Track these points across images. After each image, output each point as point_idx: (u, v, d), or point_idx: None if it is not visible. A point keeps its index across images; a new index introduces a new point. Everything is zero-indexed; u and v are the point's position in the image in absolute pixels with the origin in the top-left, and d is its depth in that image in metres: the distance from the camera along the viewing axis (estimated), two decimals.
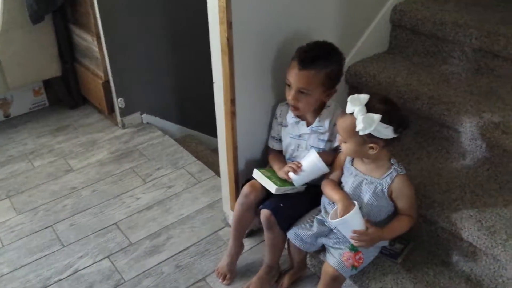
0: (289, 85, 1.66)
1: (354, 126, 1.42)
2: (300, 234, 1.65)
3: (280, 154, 1.86)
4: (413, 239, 1.75)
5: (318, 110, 1.73)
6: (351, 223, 1.48)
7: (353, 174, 1.58)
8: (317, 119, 1.73)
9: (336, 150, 1.72)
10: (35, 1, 2.58)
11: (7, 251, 2.06)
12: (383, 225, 1.56)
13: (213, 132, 1.98)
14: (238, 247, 1.90)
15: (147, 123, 2.99)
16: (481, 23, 1.86)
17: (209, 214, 2.24)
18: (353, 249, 1.55)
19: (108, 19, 2.59)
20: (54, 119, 3.05)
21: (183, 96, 3.06)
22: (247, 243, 2.02)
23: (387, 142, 1.46)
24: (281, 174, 1.72)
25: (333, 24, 1.92)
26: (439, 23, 1.95)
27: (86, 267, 1.97)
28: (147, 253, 2.03)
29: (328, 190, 1.62)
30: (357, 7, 1.99)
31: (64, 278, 1.93)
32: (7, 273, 1.95)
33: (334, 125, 1.69)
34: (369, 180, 1.54)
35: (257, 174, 1.74)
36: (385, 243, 1.64)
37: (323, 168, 1.62)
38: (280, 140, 1.85)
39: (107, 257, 2.02)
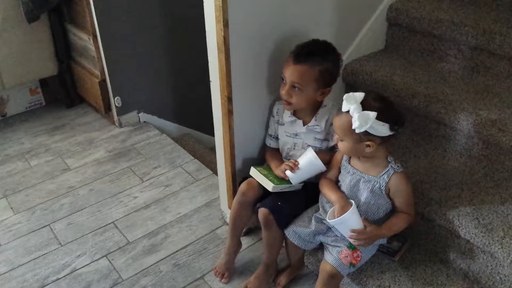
0: (283, 80, 1.67)
1: (350, 124, 1.42)
2: (298, 232, 1.65)
3: (277, 152, 1.87)
4: (411, 237, 1.75)
5: (314, 109, 1.73)
6: (348, 222, 1.49)
7: (350, 173, 1.58)
8: (314, 118, 1.73)
9: (333, 149, 1.73)
10: (31, 0, 2.57)
11: (5, 250, 2.06)
12: (382, 223, 1.57)
13: (210, 131, 1.98)
14: (236, 246, 1.91)
15: (144, 121, 2.99)
16: (477, 22, 1.87)
17: (206, 213, 2.24)
18: (351, 247, 1.55)
19: (104, 18, 2.58)
20: (51, 118, 3.05)
21: (180, 94, 3.06)
22: (245, 241, 2.03)
23: (383, 140, 1.46)
24: (278, 172, 1.72)
25: (329, 22, 1.92)
26: (435, 21, 1.95)
27: (83, 266, 1.97)
28: (145, 252, 2.03)
29: (325, 189, 1.63)
30: (354, 6, 2.00)
31: (61, 277, 1.93)
32: (4, 273, 1.95)
33: (331, 124, 1.70)
34: (367, 179, 1.55)
35: (254, 172, 1.74)
36: (383, 241, 1.65)
37: (320, 166, 1.63)
38: (277, 138, 1.85)
39: (105, 256, 2.02)
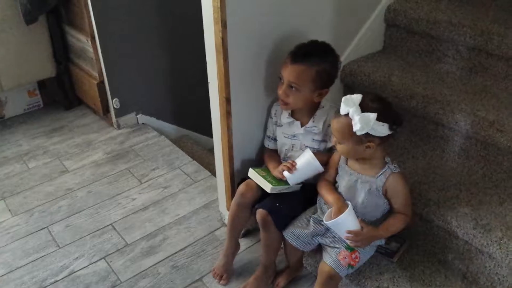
0: (281, 80, 1.67)
1: (350, 127, 1.42)
2: (296, 233, 1.65)
3: (275, 153, 1.87)
4: (409, 238, 1.75)
5: (312, 110, 1.73)
6: (345, 223, 1.49)
7: (348, 173, 1.58)
8: (312, 119, 1.73)
9: (331, 150, 1.72)
10: (29, 2, 2.57)
11: (2, 252, 2.05)
12: (379, 223, 1.57)
13: (208, 132, 1.98)
14: (234, 247, 1.90)
15: (143, 123, 2.99)
16: (475, 22, 1.87)
17: (205, 214, 2.24)
18: (350, 248, 1.55)
19: (102, 19, 2.58)
20: (49, 120, 3.04)
21: (179, 96, 3.06)
22: (244, 243, 2.02)
23: (382, 140, 1.46)
24: (275, 173, 1.72)
25: (328, 23, 1.92)
26: (433, 22, 1.96)
27: (82, 268, 1.97)
28: (144, 253, 2.03)
29: (323, 191, 1.63)
30: (352, 7, 2.00)
31: (60, 280, 1.92)
32: (2, 275, 1.94)
33: (329, 126, 1.70)
34: (364, 179, 1.55)
35: (252, 173, 1.74)
36: (381, 242, 1.65)
37: (318, 167, 1.63)
38: (275, 140, 1.85)
39: (103, 258, 2.02)
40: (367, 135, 1.43)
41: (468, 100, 1.78)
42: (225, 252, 1.90)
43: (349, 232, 1.49)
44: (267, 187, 1.68)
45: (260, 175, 1.72)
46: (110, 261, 2.00)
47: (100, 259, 2.01)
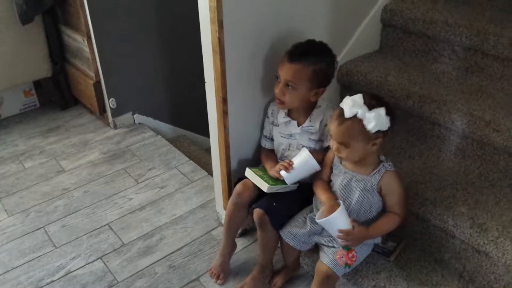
0: (278, 79, 1.68)
1: (359, 127, 1.42)
2: (293, 232, 1.65)
3: (272, 153, 1.87)
4: (406, 237, 1.76)
5: (309, 110, 1.73)
6: (336, 222, 1.49)
7: (342, 172, 1.58)
8: (308, 119, 1.73)
9: (327, 149, 1.72)
10: (25, 2, 2.56)
11: None
12: (372, 223, 1.57)
13: (205, 132, 1.98)
14: (231, 247, 1.90)
15: (139, 123, 2.98)
16: (471, 22, 1.87)
17: (202, 214, 2.23)
18: (346, 247, 1.55)
19: (98, 19, 2.57)
20: (45, 120, 3.04)
21: (175, 96, 3.06)
22: (241, 242, 2.03)
23: (384, 134, 1.47)
24: (272, 172, 1.72)
25: (324, 23, 1.93)
26: (429, 22, 1.96)
27: (78, 268, 1.96)
28: (140, 253, 2.03)
29: (317, 190, 1.64)
30: (348, 7, 2.00)
31: (56, 280, 1.92)
32: None
33: (325, 125, 1.70)
34: (358, 178, 1.55)
35: (249, 173, 1.74)
36: (378, 241, 1.65)
37: (314, 165, 1.63)
38: (272, 139, 1.85)
39: (100, 258, 2.01)
40: (376, 131, 1.43)
41: (464, 100, 1.78)
42: (222, 251, 1.90)
43: (340, 231, 1.49)
44: (264, 186, 1.68)
45: (257, 174, 1.72)
46: (107, 261, 1.99)
47: (97, 259, 2.01)
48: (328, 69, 1.68)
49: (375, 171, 1.53)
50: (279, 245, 1.80)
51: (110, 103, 2.82)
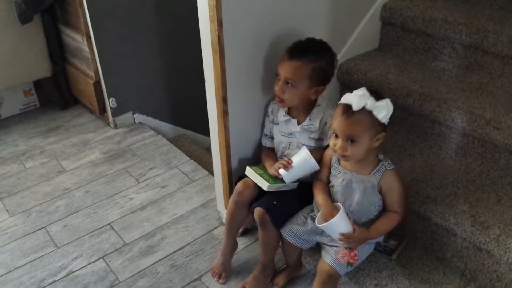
0: (277, 76, 1.68)
1: (370, 119, 1.42)
2: (294, 230, 1.65)
3: (272, 151, 1.87)
4: (407, 236, 1.76)
5: (308, 108, 1.73)
6: (337, 226, 1.49)
7: (341, 173, 1.58)
8: (308, 117, 1.73)
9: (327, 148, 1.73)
10: (24, 1, 2.56)
11: (0, 253, 2.05)
12: (373, 223, 1.57)
13: (206, 131, 1.98)
14: (232, 246, 1.91)
15: (140, 123, 2.98)
16: (470, 20, 1.87)
17: (203, 214, 2.24)
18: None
19: (97, 18, 2.57)
20: (45, 120, 3.04)
21: (176, 95, 3.06)
22: (242, 242, 2.03)
23: (385, 130, 1.47)
24: (271, 171, 1.72)
25: (324, 22, 1.93)
26: (429, 20, 1.96)
27: (80, 268, 1.97)
28: (142, 253, 2.03)
29: (315, 191, 1.64)
30: (348, 5, 2.00)
31: (58, 280, 1.92)
32: (0, 276, 1.94)
33: (325, 124, 1.70)
34: (358, 178, 1.55)
35: (249, 171, 1.74)
36: (380, 239, 1.65)
37: (313, 164, 1.62)
38: (272, 138, 1.86)
39: (102, 257, 2.02)
40: (381, 125, 1.44)
41: (465, 97, 1.79)
42: (223, 250, 1.90)
43: (342, 234, 1.48)
44: (264, 185, 1.68)
45: (257, 173, 1.72)
46: (109, 261, 2.00)
47: (99, 258, 2.01)
48: (328, 67, 1.68)
49: (375, 171, 1.53)
50: (280, 244, 1.80)
51: (110, 102, 2.82)
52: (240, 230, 2.01)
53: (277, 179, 1.70)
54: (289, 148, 1.79)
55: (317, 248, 1.71)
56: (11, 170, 2.58)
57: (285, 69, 1.64)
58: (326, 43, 1.68)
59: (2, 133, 2.92)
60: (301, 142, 1.76)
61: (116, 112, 2.89)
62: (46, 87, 3.07)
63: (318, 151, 1.71)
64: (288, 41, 1.68)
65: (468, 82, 1.90)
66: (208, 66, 1.72)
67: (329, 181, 1.65)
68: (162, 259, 2.00)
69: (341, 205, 1.50)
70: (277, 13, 1.72)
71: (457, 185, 1.70)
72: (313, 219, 1.64)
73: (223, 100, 1.71)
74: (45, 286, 1.89)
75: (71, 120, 3.04)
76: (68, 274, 1.94)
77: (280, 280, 1.85)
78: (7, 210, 2.29)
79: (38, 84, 3.08)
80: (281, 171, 1.67)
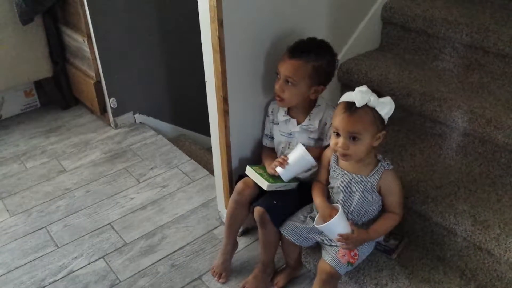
0: (278, 75, 1.68)
1: (372, 116, 1.42)
2: (293, 228, 1.65)
3: (272, 151, 1.87)
4: (408, 235, 1.76)
5: (308, 108, 1.73)
6: (335, 227, 1.48)
7: (341, 174, 1.57)
8: (308, 117, 1.73)
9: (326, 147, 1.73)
10: (25, 2, 2.56)
11: (1, 253, 2.05)
12: (373, 223, 1.57)
13: (206, 131, 1.98)
14: (232, 245, 1.90)
15: (140, 123, 2.99)
16: (471, 20, 1.87)
17: (203, 213, 2.24)
18: None
19: (98, 19, 2.57)
20: (46, 120, 3.04)
21: (176, 95, 3.06)
22: (242, 241, 2.03)
23: (385, 129, 1.47)
24: (269, 169, 1.72)
25: (324, 22, 1.93)
26: (429, 19, 1.96)
27: (81, 268, 1.97)
28: (142, 253, 2.03)
29: (313, 193, 1.64)
30: (348, 5, 2.00)
31: (58, 279, 1.92)
32: (1, 275, 1.94)
33: (325, 124, 1.70)
34: (357, 179, 1.54)
35: (249, 171, 1.74)
36: (380, 239, 1.65)
37: (310, 161, 1.61)
38: (272, 138, 1.86)
39: (102, 257, 2.02)
40: (382, 123, 1.44)
41: (465, 97, 1.79)
42: (223, 250, 1.90)
43: (340, 235, 1.48)
44: (264, 184, 1.68)
45: (257, 172, 1.72)
46: (109, 261, 2.00)
47: (99, 258, 2.01)
48: (328, 66, 1.68)
49: (374, 171, 1.52)
50: (280, 243, 1.80)
51: (110, 102, 2.83)
52: (240, 230, 2.01)
53: (277, 178, 1.70)
54: (288, 148, 1.79)
55: (317, 248, 1.71)
56: (11, 170, 2.58)
57: (285, 68, 1.64)
58: (327, 43, 1.68)
59: (3, 133, 2.92)
60: (300, 142, 1.75)
61: (117, 112, 2.89)
62: (47, 87, 3.07)
63: (316, 148, 1.71)
64: (289, 41, 1.68)
65: (469, 81, 1.90)
66: (208, 66, 1.72)
67: (328, 183, 1.65)
68: (162, 258, 2.00)
69: (340, 206, 1.50)
70: (278, 13, 1.72)
71: (458, 184, 1.70)
72: (313, 219, 1.64)
73: (224, 100, 1.71)
74: (46, 286, 1.89)
75: (71, 120, 3.04)
76: (68, 274, 1.94)
77: (280, 279, 1.85)
78: (7, 210, 2.29)
79: (39, 85, 3.08)
80: (278, 169, 1.66)
